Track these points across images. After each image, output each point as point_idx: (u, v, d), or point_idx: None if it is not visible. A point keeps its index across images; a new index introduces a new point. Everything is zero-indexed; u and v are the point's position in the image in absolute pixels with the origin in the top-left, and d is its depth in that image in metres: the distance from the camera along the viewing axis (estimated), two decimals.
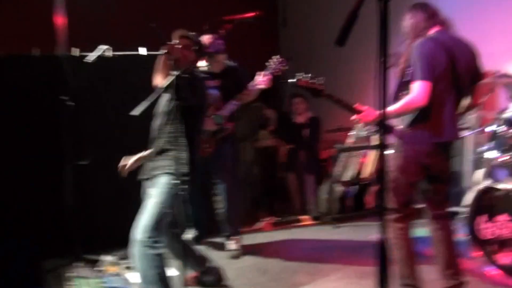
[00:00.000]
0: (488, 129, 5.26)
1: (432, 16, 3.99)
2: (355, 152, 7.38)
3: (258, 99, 5.77)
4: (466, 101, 4.10)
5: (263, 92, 5.50)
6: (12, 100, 5.48)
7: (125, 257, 5.04)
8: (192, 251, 4.50)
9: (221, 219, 5.80)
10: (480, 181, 5.34)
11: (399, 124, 3.94)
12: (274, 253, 5.80)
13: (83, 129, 5.54)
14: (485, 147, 5.18)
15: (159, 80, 3.99)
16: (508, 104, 5.15)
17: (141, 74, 5.53)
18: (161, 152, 4.10)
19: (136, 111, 3.74)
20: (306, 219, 7.40)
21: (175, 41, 4.17)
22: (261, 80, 5.44)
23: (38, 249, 5.30)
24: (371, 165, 7.45)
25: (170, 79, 3.84)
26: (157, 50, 5.28)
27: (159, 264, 3.88)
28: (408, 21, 3.98)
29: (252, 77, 5.53)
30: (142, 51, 5.68)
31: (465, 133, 6.09)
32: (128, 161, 4.12)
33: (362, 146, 7.30)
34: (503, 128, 4.99)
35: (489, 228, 4.78)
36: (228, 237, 5.84)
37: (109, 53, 5.02)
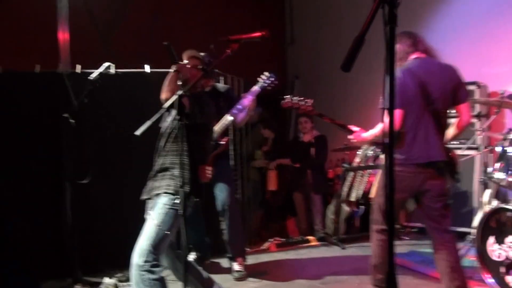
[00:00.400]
0: (496, 149, 5.21)
1: (415, 44, 4.22)
2: (362, 171, 7.28)
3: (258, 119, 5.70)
4: (451, 121, 4.32)
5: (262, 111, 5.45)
6: (13, 117, 5.44)
7: (125, 279, 4.96)
8: (197, 273, 4.40)
9: (225, 239, 5.71)
10: (488, 202, 5.30)
11: None
12: (279, 275, 5.69)
13: (84, 147, 5.47)
14: (493, 168, 5.11)
15: (166, 98, 3.92)
16: None
17: (144, 92, 5.51)
18: (162, 171, 4.02)
19: (138, 131, 3.67)
20: (312, 239, 7.29)
21: (185, 61, 4.14)
22: (245, 102, 5.38)
23: (37, 270, 5.21)
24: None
25: (174, 98, 3.76)
26: (160, 67, 5.26)
27: None
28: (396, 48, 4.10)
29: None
30: (146, 68, 5.67)
31: (473, 153, 6.03)
32: None
33: (369, 165, 7.20)
34: (511, 148, 4.94)
35: (497, 250, 4.69)
36: (232, 258, 5.75)
37: (112, 70, 5.00)
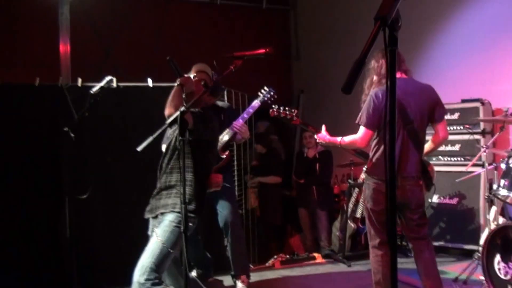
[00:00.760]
0: (501, 166, 5.19)
1: (398, 63, 4.36)
2: None
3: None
4: (429, 137, 4.58)
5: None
6: (12, 131, 5.41)
7: None
8: None
9: (227, 256, 5.63)
10: (494, 219, 5.29)
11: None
12: None
13: (84, 162, 5.42)
14: (498, 185, 5.06)
15: (169, 114, 3.83)
16: None
17: (146, 106, 5.45)
18: (168, 188, 3.94)
19: (140, 147, 3.60)
20: (318, 256, 7.19)
21: (193, 74, 4.09)
22: (237, 126, 5.35)
23: (36, 284, 5.16)
24: None
25: (176, 114, 3.67)
26: (163, 81, 5.20)
27: None
28: (373, 64, 4.41)
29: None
30: (149, 82, 5.63)
31: (478, 170, 6.01)
32: None
33: None
34: None
35: (503, 269, 4.62)
36: (235, 276, 5.66)
37: (114, 84, 4.94)
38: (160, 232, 3.77)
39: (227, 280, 5.85)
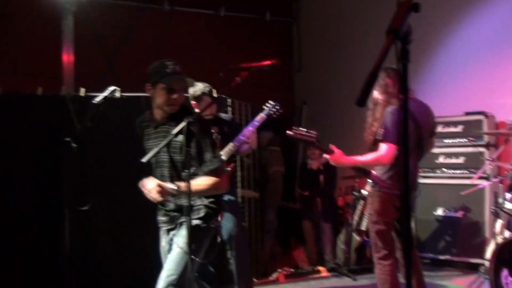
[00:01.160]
0: (506, 179, 5.23)
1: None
2: None
3: None
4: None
5: None
6: (14, 140, 5.39)
7: None
8: None
9: (231, 269, 5.57)
10: (500, 233, 5.28)
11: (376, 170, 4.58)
12: None
13: (86, 173, 5.37)
14: (503, 198, 5.03)
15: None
16: None
17: None
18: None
19: (145, 158, 3.54)
20: (323, 270, 7.11)
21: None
22: (246, 134, 5.32)
23: None
24: None
25: (182, 125, 3.60)
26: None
27: None
28: (381, 81, 4.46)
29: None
30: None
31: (483, 183, 6.00)
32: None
33: None
34: None
35: (510, 283, 4.56)
36: None
37: (117, 94, 4.89)
38: (182, 242, 3.67)
39: None
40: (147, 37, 8.27)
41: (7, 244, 5.31)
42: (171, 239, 3.82)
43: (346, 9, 9.16)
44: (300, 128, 4.61)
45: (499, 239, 4.94)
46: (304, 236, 7.76)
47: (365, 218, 7.08)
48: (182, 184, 3.53)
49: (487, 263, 4.90)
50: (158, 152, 3.59)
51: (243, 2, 9.32)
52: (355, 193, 7.16)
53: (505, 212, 5.04)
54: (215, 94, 5.28)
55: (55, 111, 5.40)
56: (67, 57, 5.05)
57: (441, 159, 7.12)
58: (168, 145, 3.63)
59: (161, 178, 3.71)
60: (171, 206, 3.83)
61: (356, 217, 7.10)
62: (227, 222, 5.44)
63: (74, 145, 4.65)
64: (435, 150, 6.99)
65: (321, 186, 7.65)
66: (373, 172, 4.59)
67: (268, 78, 7.89)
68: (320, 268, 7.18)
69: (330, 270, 7.13)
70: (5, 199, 5.33)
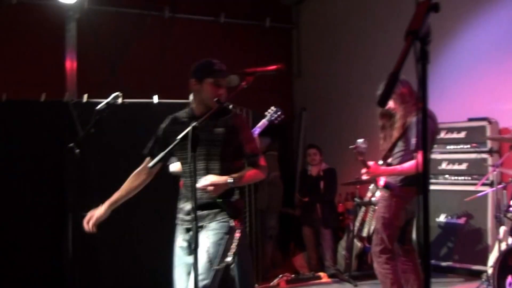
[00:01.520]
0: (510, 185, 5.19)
1: (414, 92, 4.61)
2: (374, 206, 7.11)
3: None
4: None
5: None
6: (17, 146, 5.38)
7: None
8: None
9: (232, 275, 5.54)
10: (503, 240, 5.25)
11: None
12: None
13: (89, 177, 5.36)
14: (507, 204, 5.03)
15: None
16: None
17: (151, 123, 5.38)
18: (207, 206, 3.74)
19: (151, 164, 3.53)
20: (323, 276, 7.10)
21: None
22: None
23: None
24: None
25: (187, 129, 3.56)
26: (168, 98, 5.15)
27: None
28: (398, 90, 4.58)
29: None
30: (154, 99, 5.59)
31: (486, 190, 6.00)
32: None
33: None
34: None
35: None
36: None
37: (119, 100, 4.88)
38: (207, 245, 3.62)
39: None
40: (149, 43, 8.32)
41: (10, 248, 5.30)
42: (191, 242, 3.72)
43: (345, 16, 9.17)
44: (362, 144, 4.80)
45: (503, 246, 4.92)
46: (304, 242, 7.74)
47: (366, 225, 7.09)
48: (236, 175, 3.71)
49: (489, 270, 4.89)
50: (165, 154, 3.54)
51: (243, 8, 9.36)
52: (357, 200, 7.17)
53: (509, 218, 5.03)
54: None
55: (58, 117, 5.40)
56: (70, 64, 5.05)
57: (444, 165, 7.10)
58: (205, 139, 3.63)
59: (191, 173, 3.63)
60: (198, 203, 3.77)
61: (357, 224, 7.12)
62: None
63: (77, 150, 4.65)
64: (438, 156, 6.99)
65: (321, 192, 7.64)
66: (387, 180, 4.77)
67: (268, 84, 7.90)
68: (321, 274, 7.16)
69: (331, 276, 7.12)
70: (8, 204, 5.33)
